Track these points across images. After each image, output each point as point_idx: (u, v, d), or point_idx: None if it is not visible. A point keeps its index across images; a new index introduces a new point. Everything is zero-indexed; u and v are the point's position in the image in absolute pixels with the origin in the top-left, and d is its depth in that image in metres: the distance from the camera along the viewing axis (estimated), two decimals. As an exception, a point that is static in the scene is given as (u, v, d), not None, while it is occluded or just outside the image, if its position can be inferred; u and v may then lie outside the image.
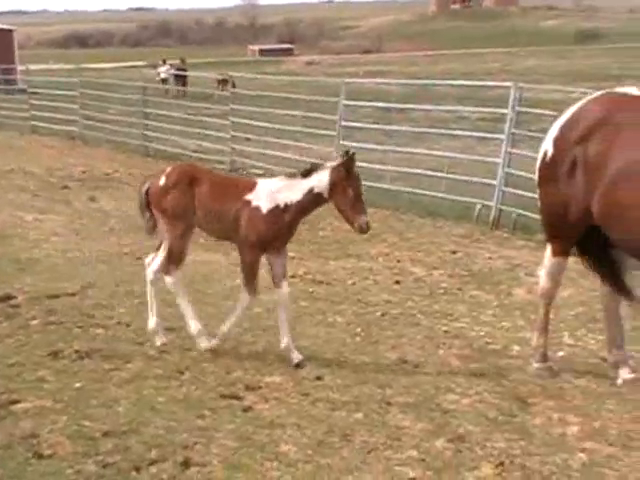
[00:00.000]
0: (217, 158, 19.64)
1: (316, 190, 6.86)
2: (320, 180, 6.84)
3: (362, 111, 21.81)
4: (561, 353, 7.53)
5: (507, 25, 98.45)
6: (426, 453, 5.44)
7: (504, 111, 13.64)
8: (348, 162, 6.78)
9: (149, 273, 7.41)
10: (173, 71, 40.48)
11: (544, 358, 7.04)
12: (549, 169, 6.74)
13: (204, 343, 7.26)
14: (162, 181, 7.16)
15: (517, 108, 13.30)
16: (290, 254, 11.12)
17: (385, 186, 15.30)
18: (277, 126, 19.13)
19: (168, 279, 7.29)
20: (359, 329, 8.07)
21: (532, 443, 5.60)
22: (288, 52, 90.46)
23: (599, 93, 6.86)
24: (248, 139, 19.97)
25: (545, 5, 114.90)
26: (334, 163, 6.88)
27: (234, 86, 23.73)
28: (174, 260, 7.23)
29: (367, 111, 21.98)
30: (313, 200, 6.91)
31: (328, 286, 9.68)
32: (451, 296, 9.35)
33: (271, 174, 17.86)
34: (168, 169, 7.30)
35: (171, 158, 19.84)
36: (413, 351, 7.47)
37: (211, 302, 8.71)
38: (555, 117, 6.99)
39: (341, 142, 16.27)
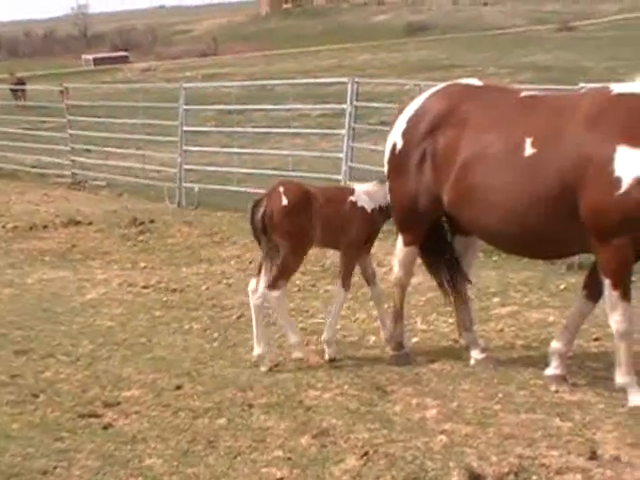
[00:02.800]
0: (57, 172, 19.13)
1: None
2: None
3: (203, 115, 21.74)
4: (415, 339, 7.71)
5: (339, 21, 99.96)
6: (292, 451, 5.46)
7: (343, 106, 13.84)
8: None
9: (255, 299, 7.09)
10: (9, 86, 39.00)
11: (400, 346, 7.19)
12: (398, 161, 6.89)
13: (299, 353, 7.25)
14: (284, 202, 6.94)
15: (355, 102, 13.53)
16: (141, 264, 11.02)
17: (233, 188, 15.27)
18: (118, 135, 18.81)
19: (275, 293, 6.99)
20: (216, 334, 8.03)
21: (394, 430, 5.71)
22: (123, 60, 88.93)
23: (442, 85, 7.08)
24: (88, 150, 19.54)
25: (374, 0, 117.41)
26: None
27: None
28: (287, 276, 7.14)
29: (208, 114, 21.93)
30: None
31: (182, 293, 9.58)
32: (306, 293, 9.42)
33: (116, 184, 17.59)
34: (280, 189, 7.06)
35: (7, 176, 19.22)
36: (272, 351, 7.47)
37: (62, 320, 8.48)
38: (393, 109, 7.15)
39: (184, 147, 16.14)
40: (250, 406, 6.22)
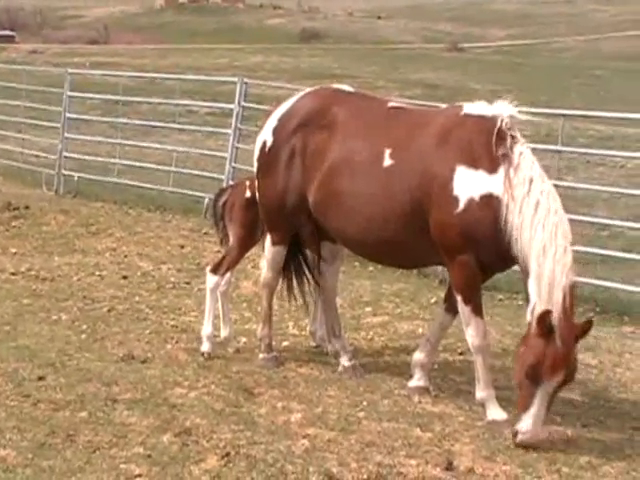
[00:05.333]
0: None
1: None
2: None
3: (89, 103, 21.30)
4: (286, 343, 7.74)
5: (234, 21, 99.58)
6: (152, 449, 5.39)
7: (231, 106, 13.82)
8: None
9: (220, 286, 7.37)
10: None
11: (269, 348, 7.20)
12: (268, 159, 6.93)
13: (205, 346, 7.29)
14: (247, 195, 7.27)
15: (243, 103, 13.52)
16: (11, 250, 10.72)
17: (113, 180, 15.04)
18: (-3, 117, 18.25)
19: (213, 278, 7.34)
20: (85, 326, 7.86)
21: (257, 432, 5.71)
22: (9, 39, 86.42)
23: (316, 87, 7.20)
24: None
25: (270, 4, 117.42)
26: None
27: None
28: (229, 265, 7.37)
29: (94, 103, 21.50)
30: None
31: (52, 282, 9.35)
32: (179, 290, 9.34)
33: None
34: (247, 182, 7.38)
35: None
36: (141, 346, 7.38)
37: None
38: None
39: (66, 134, 15.80)
40: (114, 401, 6.11)
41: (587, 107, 21.66)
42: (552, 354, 5.56)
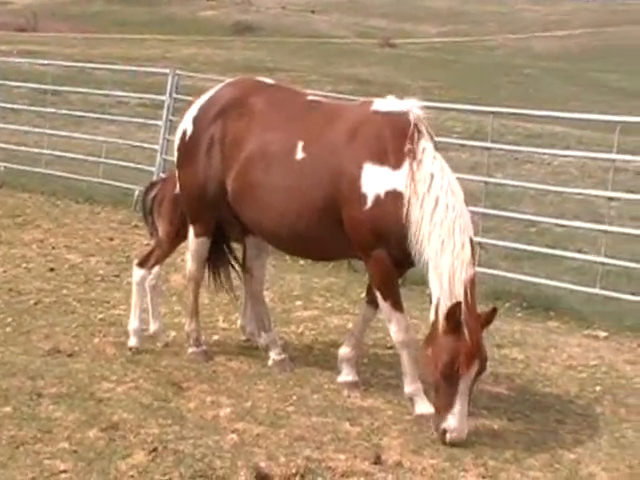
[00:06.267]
0: None
1: None
2: None
3: (17, 92, 20.88)
4: (216, 337, 7.70)
5: (166, 12, 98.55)
6: (78, 444, 5.32)
7: (162, 98, 13.70)
8: None
9: (149, 279, 7.32)
10: None
11: (198, 342, 7.16)
12: (188, 148, 6.91)
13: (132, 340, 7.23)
14: (177, 190, 7.08)
15: (175, 95, 13.43)
16: None
17: (40, 170, 14.79)
18: None
19: (139, 272, 7.26)
20: (10, 319, 7.72)
21: (186, 427, 5.68)
22: None
23: (236, 78, 7.24)
24: None
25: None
26: None
27: None
28: (157, 260, 7.32)
29: (22, 92, 21.09)
30: None
31: (-24, 275, 9.16)
32: (108, 283, 9.23)
33: None
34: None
35: None
36: (67, 340, 7.27)
37: None
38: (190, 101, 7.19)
39: (-8, 123, 15.49)
40: (39, 395, 6.01)
41: (516, 105, 21.92)
42: (464, 348, 5.62)
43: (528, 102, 34.39)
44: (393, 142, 6.11)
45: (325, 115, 6.58)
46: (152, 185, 7.62)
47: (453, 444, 5.68)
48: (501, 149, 13.36)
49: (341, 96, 12.87)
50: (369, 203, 6.11)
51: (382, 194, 6.08)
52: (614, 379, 7.44)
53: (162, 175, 12.96)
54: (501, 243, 10.77)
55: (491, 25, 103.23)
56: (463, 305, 5.66)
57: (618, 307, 9.35)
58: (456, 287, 5.73)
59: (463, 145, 14.44)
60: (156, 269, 7.38)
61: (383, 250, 6.14)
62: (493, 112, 11.31)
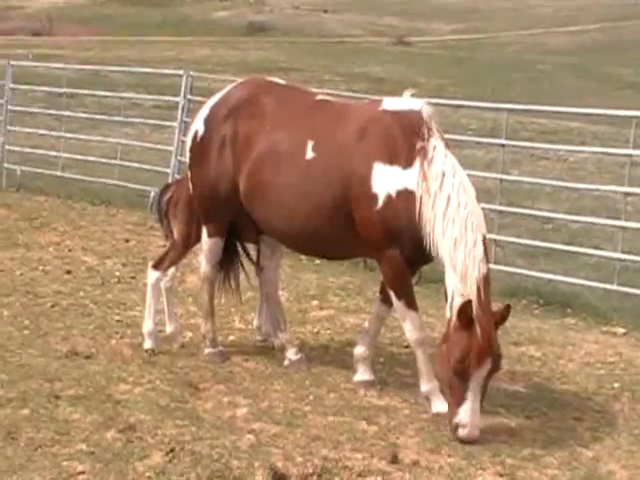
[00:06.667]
0: None
1: None
2: None
3: (32, 95, 20.97)
4: (232, 337, 7.71)
5: (179, 14, 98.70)
6: (96, 445, 5.33)
7: (177, 99, 13.73)
8: None
9: (165, 282, 7.34)
10: None
11: (214, 343, 7.17)
12: (200, 148, 6.92)
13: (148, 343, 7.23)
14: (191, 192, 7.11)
15: (189, 96, 13.46)
16: (-49, 245, 10.52)
17: (57, 173, 14.88)
18: None
19: (154, 274, 7.27)
20: (27, 321, 7.75)
21: (202, 428, 5.68)
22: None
23: (247, 78, 7.28)
24: None
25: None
26: None
27: None
28: (171, 262, 7.31)
29: (38, 95, 21.19)
30: None
31: (-6, 278, 9.21)
32: (124, 285, 9.25)
33: None
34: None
35: None
36: (85, 342, 7.30)
37: None
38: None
39: (9, 127, 15.56)
40: (56, 397, 6.03)
41: (531, 101, 21.88)
42: (476, 345, 5.61)
43: (542, 98, 34.30)
44: (403, 141, 6.11)
45: (335, 115, 6.59)
46: (167, 187, 7.64)
47: (465, 440, 5.66)
48: (516, 146, 13.32)
49: (355, 95, 12.87)
50: (380, 203, 6.11)
51: (393, 194, 6.08)
52: (632, 375, 7.39)
53: (177, 176, 13.00)
54: (517, 240, 10.74)
55: (503, 21, 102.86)
56: (476, 302, 5.64)
57: (636, 303, 9.30)
58: (468, 284, 5.72)
59: (478, 142, 14.43)
60: (171, 271, 7.39)
61: (395, 249, 6.13)
62: (508, 109, 11.27)
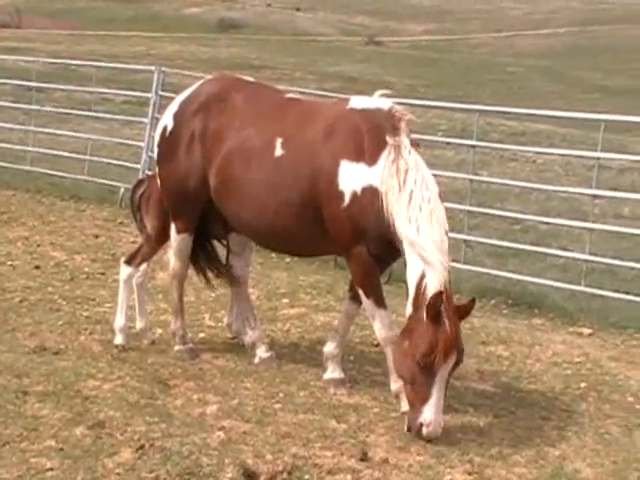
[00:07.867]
0: None
1: None
2: None
3: (0, 89, 20.82)
4: (202, 334, 7.70)
5: (150, 9, 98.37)
6: (65, 442, 5.30)
7: (148, 95, 13.69)
8: None
9: (137, 277, 7.26)
10: None
11: (184, 340, 7.15)
12: (169, 144, 6.91)
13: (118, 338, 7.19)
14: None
15: (160, 92, 13.41)
16: None
17: (25, 168, 14.77)
18: None
19: (126, 270, 7.23)
20: (-5, 317, 7.70)
21: (172, 425, 5.67)
22: None
23: (216, 74, 7.30)
24: None
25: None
26: None
27: None
28: (143, 258, 7.27)
29: (5, 89, 21.04)
30: None
31: (-39, 273, 9.12)
32: (94, 281, 9.20)
33: None
34: None
35: None
36: (53, 338, 7.24)
37: None
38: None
39: (-24, 121, 15.43)
40: (25, 393, 5.98)
41: (501, 103, 22.01)
42: (443, 338, 5.63)
43: (512, 100, 34.53)
44: (369, 138, 6.15)
45: (303, 112, 6.62)
46: (140, 182, 7.62)
47: (430, 439, 5.66)
48: (487, 147, 13.41)
49: (325, 94, 12.91)
50: (347, 200, 6.14)
51: (359, 190, 6.12)
52: (598, 376, 7.48)
53: (148, 172, 12.96)
54: (486, 241, 10.82)
55: (476, 23, 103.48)
56: (443, 295, 5.66)
57: (602, 304, 9.41)
58: (436, 277, 5.71)
59: (449, 143, 14.51)
60: (143, 266, 7.37)
61: (363, 247, 6.17)
62: (479, 110, 11.34)
